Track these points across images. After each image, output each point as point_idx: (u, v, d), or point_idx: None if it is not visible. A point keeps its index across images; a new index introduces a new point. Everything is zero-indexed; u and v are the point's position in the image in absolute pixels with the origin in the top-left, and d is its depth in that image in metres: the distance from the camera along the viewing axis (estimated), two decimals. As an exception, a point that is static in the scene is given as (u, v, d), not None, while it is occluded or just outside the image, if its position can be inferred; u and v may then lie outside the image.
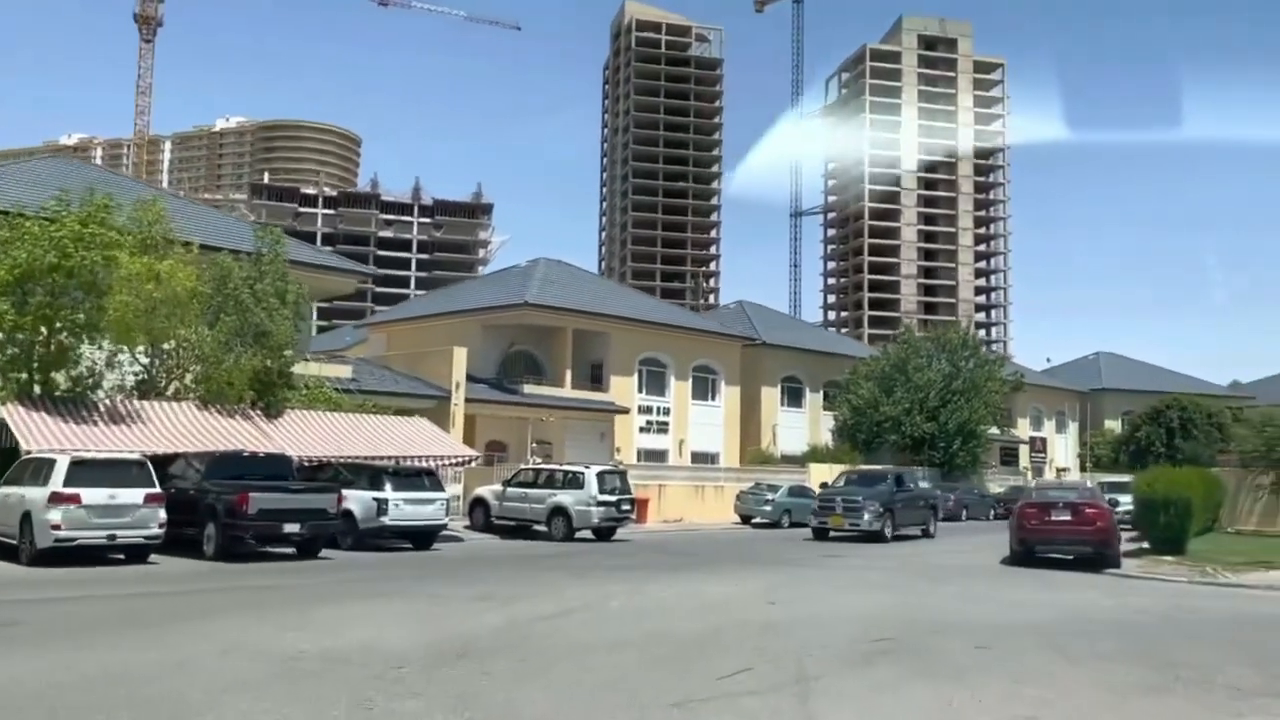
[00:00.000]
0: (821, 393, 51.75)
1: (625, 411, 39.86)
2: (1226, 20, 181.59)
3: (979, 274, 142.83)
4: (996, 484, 53.39)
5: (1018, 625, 12.42)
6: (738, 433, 46.13)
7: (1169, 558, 22.39)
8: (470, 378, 36.40)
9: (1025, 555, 21.48)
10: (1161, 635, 12.02)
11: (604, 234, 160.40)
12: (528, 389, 37.15)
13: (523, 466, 29.47)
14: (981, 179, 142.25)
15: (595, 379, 40.96)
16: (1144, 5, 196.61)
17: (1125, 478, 41.44)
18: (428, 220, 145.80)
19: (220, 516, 18.70)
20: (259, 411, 24.44)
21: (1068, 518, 21.08)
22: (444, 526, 23.01)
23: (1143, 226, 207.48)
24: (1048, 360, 78.91)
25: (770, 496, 35.01)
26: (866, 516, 26.80)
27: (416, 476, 23.01)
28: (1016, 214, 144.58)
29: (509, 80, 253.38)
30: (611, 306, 41.91)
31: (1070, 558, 21.57)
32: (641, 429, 41.89)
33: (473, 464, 27.04)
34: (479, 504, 27.79)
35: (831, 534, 27.43)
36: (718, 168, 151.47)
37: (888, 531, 26.99)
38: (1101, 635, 11.76)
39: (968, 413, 47.95)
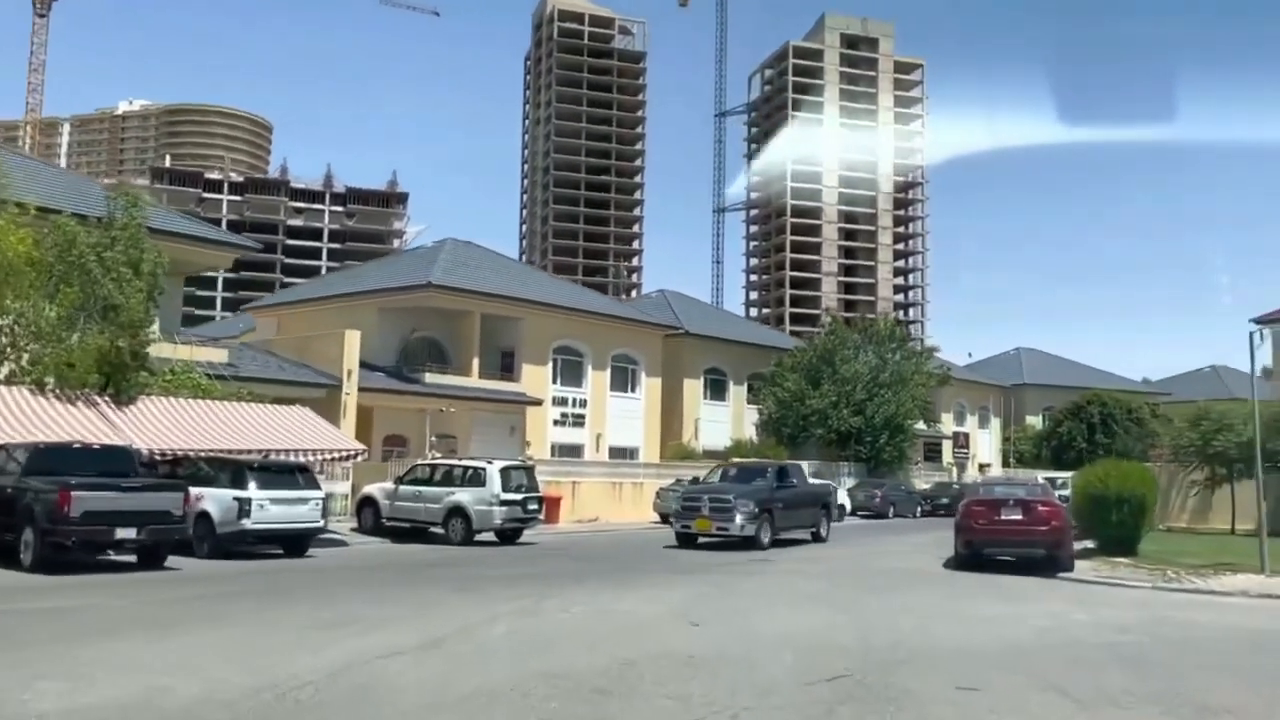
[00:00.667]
0: (746, 385, 49.62)
1: (538, 403, 37.10)
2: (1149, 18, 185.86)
3: (898, 273, 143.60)
4: (922, 480, 52.06)
5: (995, 651, 10.16)
6: (658, 426, 43.73)
7: (1123, 560, 20.63)
8: (367, 365, 33.35)
9: (971, 558, 19.46)
10: (1167, 663, 9.87)
11: (524, 226, 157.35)
12: (430, 378, 34.15)
13: (418, 462, 26.60)
14: (901, 179, 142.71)
15: (506, 368, 38.13)
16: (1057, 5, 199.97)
17: (1060, 474, 40.28)
18: (340, 209, 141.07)
19: (38, 520, 15.60)
20: (107, 398, 21.20)
21: (1018, 516, 19.08)
22: (320, 530, 20.07)
23: (1058, 228, 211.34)
24: (969, 355, 78.43)
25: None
26: (738, 519, 22.36)
27: (287, 473, 20.01)
28: (936, 215, 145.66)
29: (428, 68, 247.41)
30: (524, 290, 39.04)
31: (1013, 559, 19.59)
32: (556, 422, 39.18)
33: (360, 458, 24.08)
34: (368, 504, 24.83)
35: (700, 540, 23.10)
36: (641, 161, 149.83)
37: (764, 537, 22.76)
38: (1099, 665, 9.55)
39: (895, 406, 46.38)
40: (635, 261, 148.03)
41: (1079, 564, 19.46)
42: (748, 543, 22.47)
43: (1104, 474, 21.71)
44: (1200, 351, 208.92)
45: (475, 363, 36.11)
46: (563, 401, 39.60)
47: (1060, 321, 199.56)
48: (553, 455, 37.13)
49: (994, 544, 19.21)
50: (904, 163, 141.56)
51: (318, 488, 20.24)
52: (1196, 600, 15.51)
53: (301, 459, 21.98)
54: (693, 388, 46.96)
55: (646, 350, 43.54)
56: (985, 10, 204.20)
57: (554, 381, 39.28)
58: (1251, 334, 18.44)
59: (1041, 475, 34.93)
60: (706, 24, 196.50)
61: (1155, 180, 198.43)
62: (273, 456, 21.30)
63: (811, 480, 32.14)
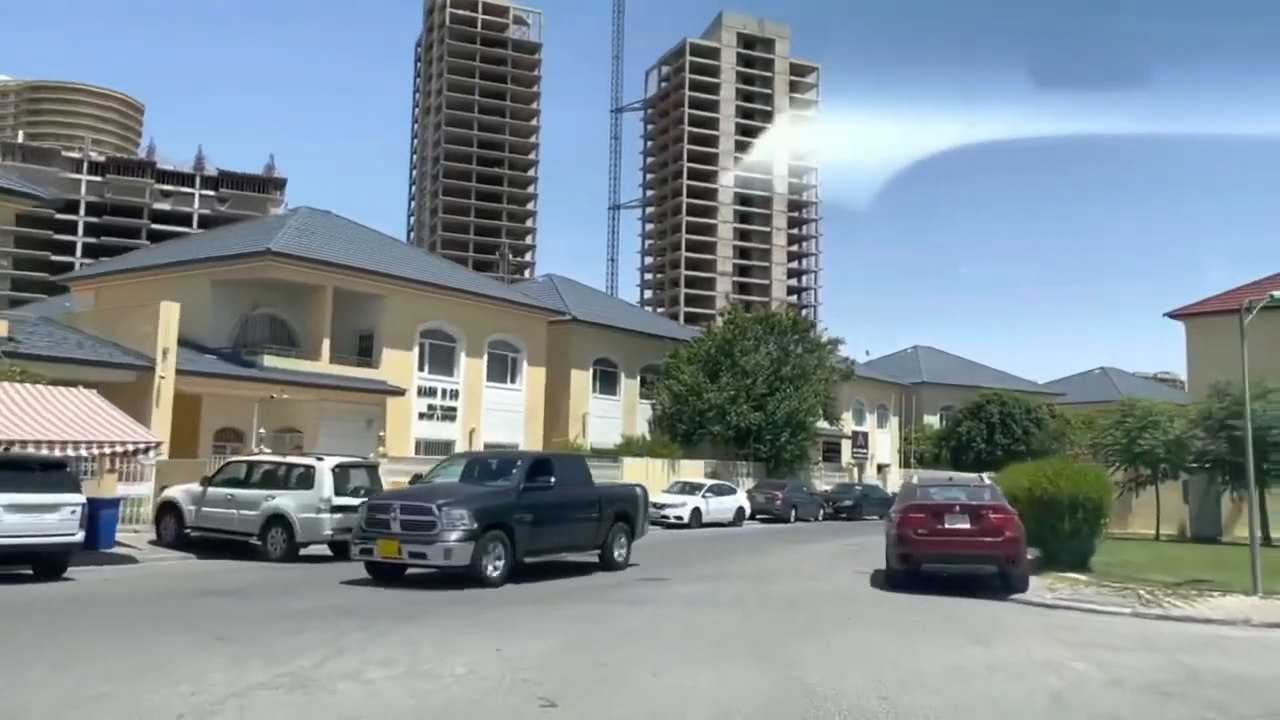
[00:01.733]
0: (639, 378, 45.77)
1: (400, 393, 32.44)
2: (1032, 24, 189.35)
3: (792, 274, 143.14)
4: (821, 481, 49.19)
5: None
6: (541, 422, 39.46)
7: (1078, 575, 17.49)
8: (194, 345, 28.51)
9: (906, 575, 15.95)
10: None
11: (413, 218, 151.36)
12: (269, 361, 29.25)
13: (233, 459, 21.93)
14: (795, 180, 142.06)
15: (364, 353, 33.37)
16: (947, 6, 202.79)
17: (977, 476, 37.62)
18: (211, 193, 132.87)
19: None
20: None
21: (966, 525, 15.64)
22: (76, 544, 15.37)
23: (949, 230, 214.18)
24: (867, 353, 76.27)
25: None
26: (449, 539, 14.51)
27: (33, 471, 15.28)
28: (829, 217, 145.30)
29: (314, 52, 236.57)
30: (386, 264, 34.19)
31: (946, 575, 16.08)
32: (422, 415, 34.53)
33: (153, 452, 19.24)
34: (169, 510, 20.07)
35: (408, 569, 15.49)
36: (535, 155, 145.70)
37: (491, 566, 14.89)
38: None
39: (797, 402, 43.19)
40: (529, 257, 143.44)
41: (1032, 581, 16.15)
42: (469, 576, 14.61)
43: (1054, 475, 18.51)
44: (1088, 354, 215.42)
45: (326, 345, 31.25)
46: (430, 392, 34.97)
47: (952, 322, 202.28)
48: (418, 453, 32.60)
49: (937, 558, 15.71)
50: (799, 164, 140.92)
51: (76, 490, 15.56)
52: (1198, 635, 12.23)
53: (70, 453, 17.15)
54: (581, 380, 42.86)
55: (529, 337, 39.24)
56: (878, 16, 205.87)
57: (420, 369, 34.62)
58: (1242, 308, 15.27)
59: (987, 476, 31.96)
60: (604, 18, 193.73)
61: (1050, 182, 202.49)
62: (29, 449, 16.47)
63: (615, 482, 24.83)
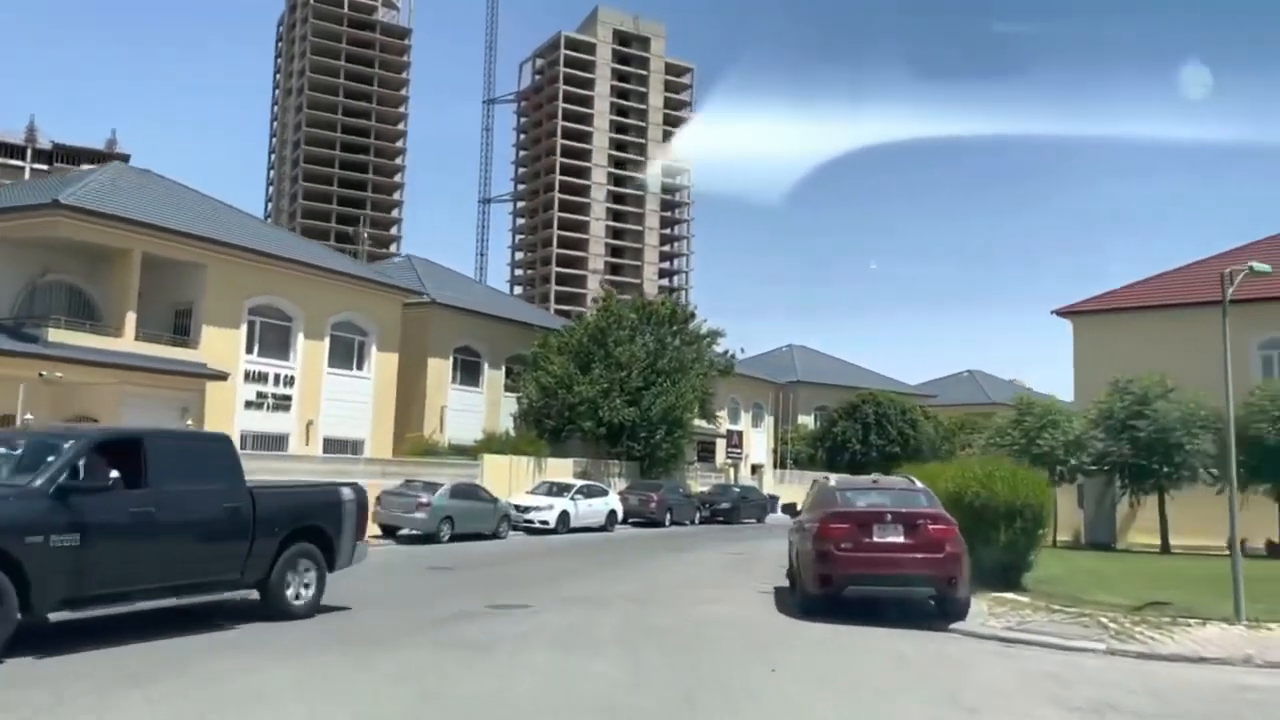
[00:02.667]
0: (504, 370, 41.99)
1: (222, 377, 27.79)
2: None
3: (663, 274, 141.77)
4: (696, 482, 46.51)
5: None
6: (392, 414, 35.29)
7: (1020, 597, 14.86)
8: (-43, 314, 23.40)
9: (823, 600, 12.93)
10: None
11: (271, 204, 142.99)
12: (55, 336, 24.29)
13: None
14: (669, 180, 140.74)
15: (181, 330, 28.62)
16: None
17: (905, 478, 35.58)
18: (44, 167, 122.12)
19: None
20: None
21: (899, 539, 12.72)
22: None
23: (812, 235, 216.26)
24: (741, 351, 74.21)
25: (425, 499, 24.92)
26: None
27: None
28: (700, 218, 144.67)
29: (169, 27, 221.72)
30: (209, 228, 29.43)
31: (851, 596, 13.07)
32: (250, 403, 29.94)
33: None
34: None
35: None
36: (403, 143, 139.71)
37: None
38: None
39: (673, 397, 40.27)
40: (394, 248, 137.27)
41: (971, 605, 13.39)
42: None
43: (987, 477, 15.85)
44: (954, 357, 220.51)
45: (131, 319, 26.39)
46: (260, 378, 30.36)
47: (824, 323, 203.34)
48: (244, 447, 28.02)
49: (864, 579, 12.67)
50: (672, 164, 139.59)
51: None
52: (1215, 684, 9.55)
53: None
54: (439, 369, 38.79)
55: (380, 319, 34.93)
56: (754, 16, 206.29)
57: (248, 351, 29.97)
58: (1225, 273, 12.81)
59: (919, 482, 29.15)
60: (477, 6, 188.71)
61: (916, 183, 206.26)
62: None
63: (314, 481, 16.60)
